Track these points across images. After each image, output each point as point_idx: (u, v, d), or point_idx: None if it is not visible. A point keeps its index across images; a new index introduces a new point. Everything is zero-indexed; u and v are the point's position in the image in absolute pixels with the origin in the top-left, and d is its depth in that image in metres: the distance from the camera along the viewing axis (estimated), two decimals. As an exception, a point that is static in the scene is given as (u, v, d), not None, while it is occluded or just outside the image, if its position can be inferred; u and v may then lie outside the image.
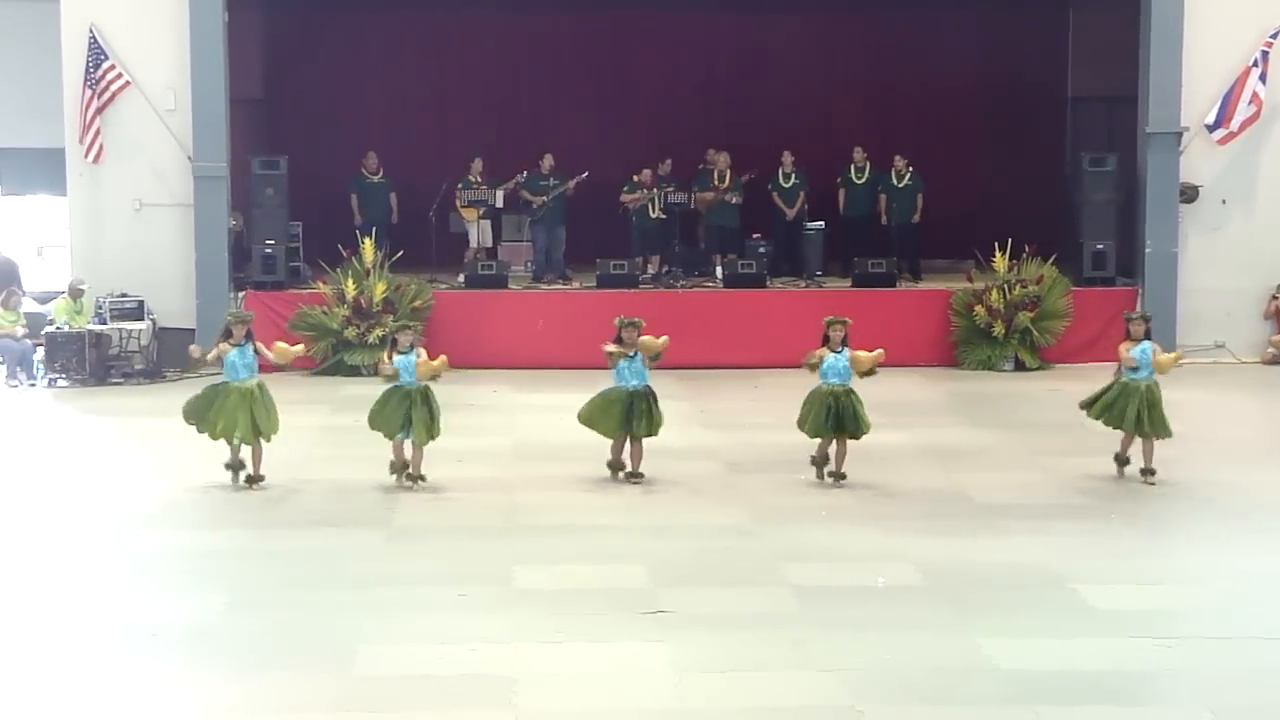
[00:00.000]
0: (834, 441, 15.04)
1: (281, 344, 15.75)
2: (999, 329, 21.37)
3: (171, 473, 15.51)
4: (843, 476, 15.03)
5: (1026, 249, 21.72)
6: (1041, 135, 24.62)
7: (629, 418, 15.03)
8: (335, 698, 9.91)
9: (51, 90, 21.96)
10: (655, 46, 25.17)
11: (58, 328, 20.62)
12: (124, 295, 21.04)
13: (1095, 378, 16.50)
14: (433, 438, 14.88)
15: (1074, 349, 21.49)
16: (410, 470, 14.86)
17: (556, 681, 10.16)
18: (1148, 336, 15.18)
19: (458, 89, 25.10)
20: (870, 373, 15.05)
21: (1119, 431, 15.24)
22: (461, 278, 22.26)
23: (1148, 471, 15.12)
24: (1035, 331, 21.44)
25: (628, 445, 15.19)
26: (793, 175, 23.39)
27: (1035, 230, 22.07)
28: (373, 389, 15.58)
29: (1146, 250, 21.89)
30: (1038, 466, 15.96)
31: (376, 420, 14.98)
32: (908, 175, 23.16)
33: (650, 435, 15.19)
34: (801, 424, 15.11)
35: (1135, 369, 15.04)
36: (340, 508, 14.36)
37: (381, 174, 23.18)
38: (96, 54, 21.39)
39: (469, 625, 11.12)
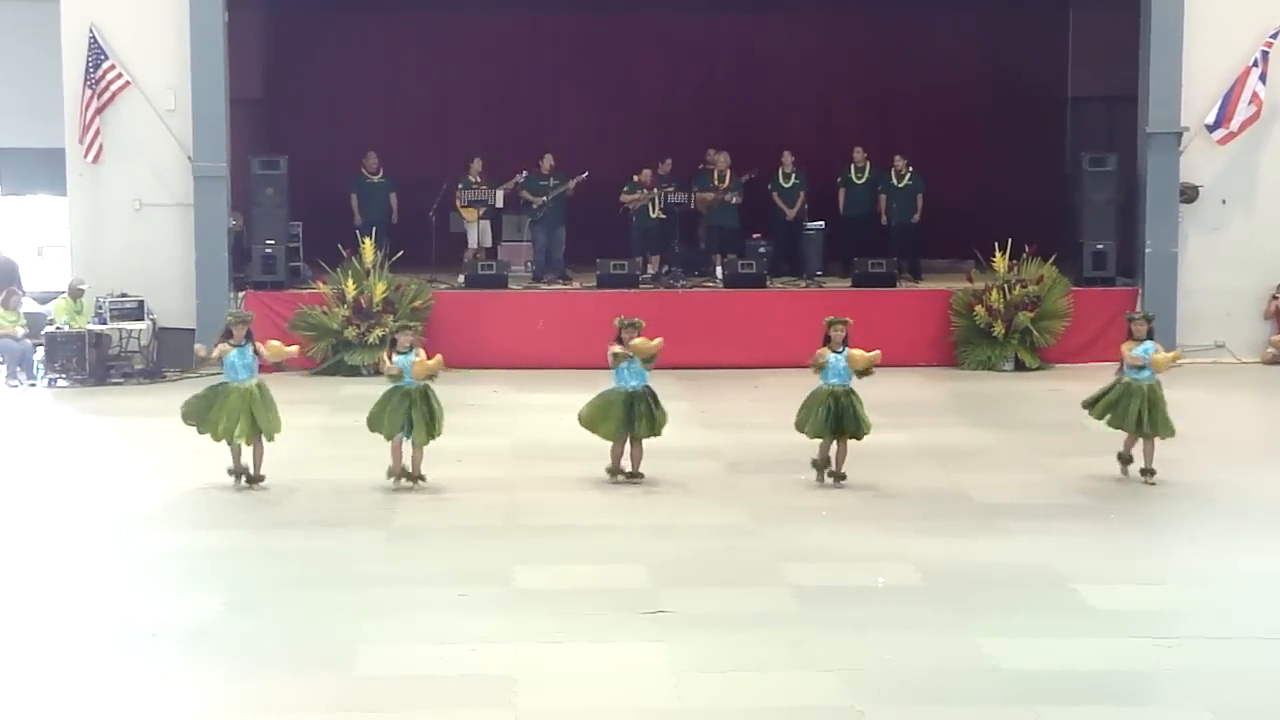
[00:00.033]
0: (834, 442, 15.04)
1: (275, 342, 15.67)
2: (999, 329, 21.36)
3: (171, 473, 15.51)
4: (843, 477, 15.02)
5: (1026, 249, 21.72)
6: (1041, 135, 24.61)
7: (630, 419, 15.00)
8: (335, 698, 9.90)
9: (51, 90, 21.96)
10: (655, 46, 25.17)
11: (58, 328, 20.61)
12: (124, 295, 21.03)
13: (1095, 378, 16.51)
14: (433, 437, 14.86)
15: (1074, 349, 21.50)
16: (410, 470, 14.86)
17: (556, 681, 10.15)
18: (1150, 336, 15.19)
19: (458, 89, 25.10)
20: (867, 372, 15.00)
21: (1119, 431, 15.24)
22: (461, 278, 22.25)
23: (1148, 471, 15.11)
24: (1035, 331, 21.43)
25: (627, 448, 15.18)
26: (793, 175, 23.38)
27: (1035, 230, 22.06)
28: (373, 389, 15.58)
29: (1146, 250, 21.90)
30: (1038, 466, 15.96)
31: (376, 422, 14.92)
32: (908, 175, 23.15)
33: (653, 435, 15.17)
34: (800, 426, 15.06)
35: (1141, 368, 15.04)
36: (340, 508, 14.35)
37: (381, 174, 23.17)
38: (96, 54, 21.38)
39: (469, 625, 11.11)
